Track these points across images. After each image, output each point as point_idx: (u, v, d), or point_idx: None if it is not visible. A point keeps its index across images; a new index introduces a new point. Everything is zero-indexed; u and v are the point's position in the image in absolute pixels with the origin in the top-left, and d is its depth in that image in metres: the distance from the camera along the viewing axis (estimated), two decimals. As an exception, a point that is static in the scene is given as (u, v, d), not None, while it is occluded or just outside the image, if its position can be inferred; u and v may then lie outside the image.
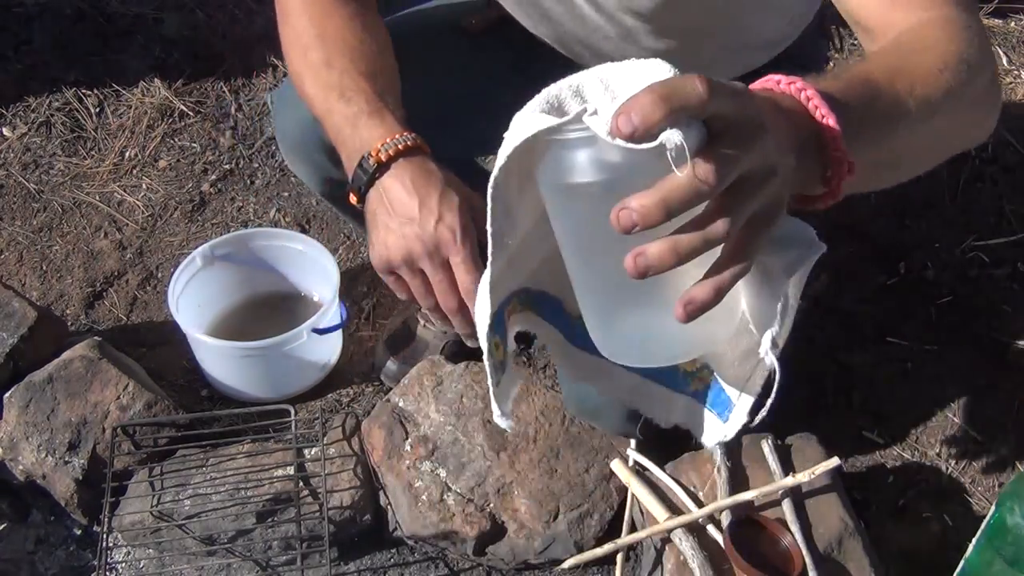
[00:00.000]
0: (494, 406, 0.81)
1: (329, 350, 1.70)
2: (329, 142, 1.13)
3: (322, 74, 1.02)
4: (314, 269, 1.71)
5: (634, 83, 0.58)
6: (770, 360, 0.69)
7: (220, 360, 1.65)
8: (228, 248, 1.70)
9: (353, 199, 0.97)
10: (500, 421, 0.81)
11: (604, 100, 0.60)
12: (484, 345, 0.77)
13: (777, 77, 0.72)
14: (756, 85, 0.71)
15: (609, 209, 0.55)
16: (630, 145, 0.54)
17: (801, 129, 0.67)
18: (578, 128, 0.58)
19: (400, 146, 0.94)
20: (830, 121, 0.67)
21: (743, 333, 0.73)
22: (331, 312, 1.62)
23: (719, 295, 0.61)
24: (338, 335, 1.70)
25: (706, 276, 0.60)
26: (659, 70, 0.59)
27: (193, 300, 1.68)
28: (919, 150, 0.82)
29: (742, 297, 0.71)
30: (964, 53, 0.83)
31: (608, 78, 0.61)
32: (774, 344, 0.68)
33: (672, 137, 0.53)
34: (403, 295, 0.96)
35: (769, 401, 0.73)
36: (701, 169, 0.56)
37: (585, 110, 0.58)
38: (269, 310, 1.77)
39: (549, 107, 0.62)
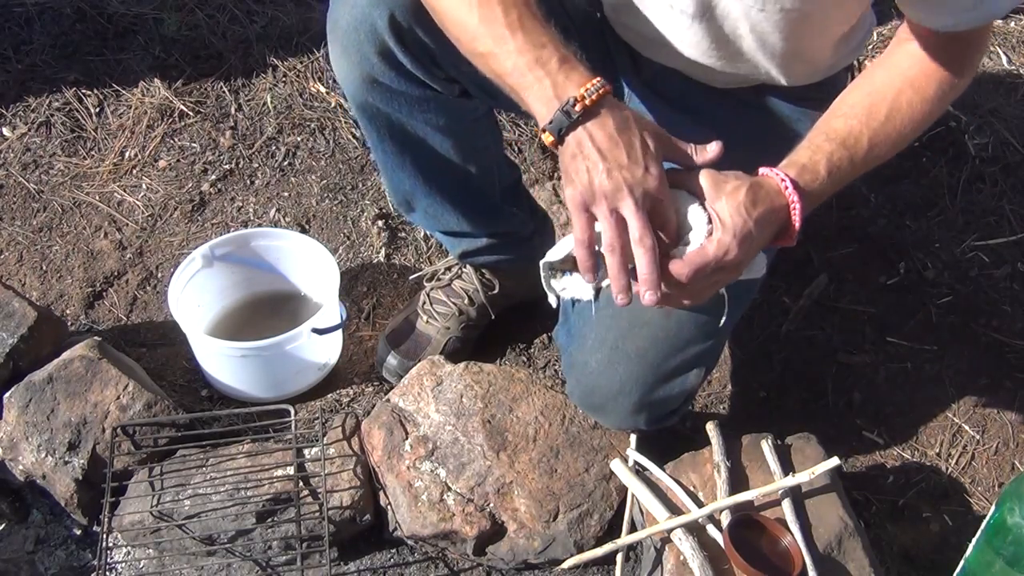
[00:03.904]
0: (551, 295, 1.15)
1: (329, 350, 1.70)
2: (382, 40, 1.26)
3: (498, 11, 1.04)
4: (314, 269, 1.71)
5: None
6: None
7: (220, 360, 1.65)
8: (228, 248, 1.70)
9: (548, 139, 1.04)
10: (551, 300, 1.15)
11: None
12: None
13: (783, 178, 1.08)
14: (770, 175, 1.09)
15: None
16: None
17: (777, 227, 1.09)
18: None
19: (599, 93, 1.02)
20: (797, 221, 1.08)
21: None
22: (331, 312, 1.62)
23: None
24: (338, 335, 1.70)
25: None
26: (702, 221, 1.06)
27: (193, 300, 1.68)
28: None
29: None
30: (932, 111, 1.16)
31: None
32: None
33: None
34: (583, 234, 1.03)
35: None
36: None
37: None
38: (269, 310, 1.77)
39: None
